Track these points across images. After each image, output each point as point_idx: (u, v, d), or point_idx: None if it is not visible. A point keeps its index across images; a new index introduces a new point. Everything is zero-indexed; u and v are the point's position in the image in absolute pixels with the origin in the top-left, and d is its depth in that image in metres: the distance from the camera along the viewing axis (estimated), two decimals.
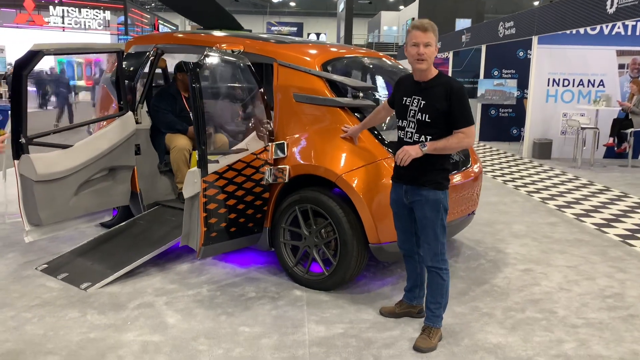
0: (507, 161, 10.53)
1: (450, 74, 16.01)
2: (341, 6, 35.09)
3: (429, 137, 3.07)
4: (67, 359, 2.97)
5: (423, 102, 3.07)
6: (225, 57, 4.15)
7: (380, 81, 5.16)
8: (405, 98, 3.16)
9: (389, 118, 3.85)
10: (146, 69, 5.04)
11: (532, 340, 3.31)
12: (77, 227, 4.63)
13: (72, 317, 3.46)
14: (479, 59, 13.63)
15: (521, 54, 13.22)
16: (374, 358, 3.06)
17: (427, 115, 3.05)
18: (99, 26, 29.56)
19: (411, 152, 3.03)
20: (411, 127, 3.12)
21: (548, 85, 11.02)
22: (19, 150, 4.15)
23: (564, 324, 3.54)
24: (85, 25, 29.27)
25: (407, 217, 3.27)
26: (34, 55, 4.07)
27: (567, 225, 5.94)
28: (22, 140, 4.13)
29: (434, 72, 3.09)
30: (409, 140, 3.13)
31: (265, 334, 3.30)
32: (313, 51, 4.33)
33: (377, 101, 4.56)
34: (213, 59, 4.00)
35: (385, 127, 4.11)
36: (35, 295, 3.78)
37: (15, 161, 4.15)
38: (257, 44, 4.38)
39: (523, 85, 12.30)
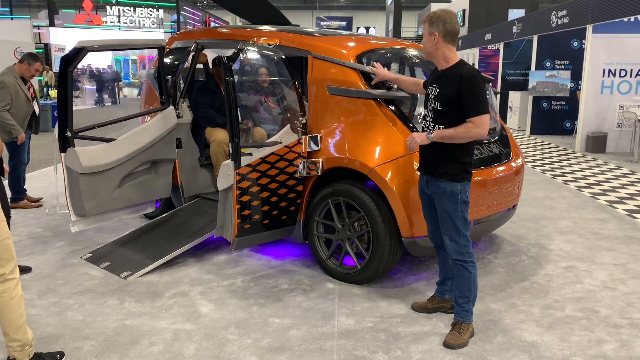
0: (558, 155, 10.16)
1: (500, 66, 15.59)
2: None
3: (441, 127, 3.05)
4: (103, 344, 3.08)
5: (438, 90, 3.07)
6: (259, 50, 4.17)
7: (419, 73, 5.07)
8: (429, 87, 3.19)
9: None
10: (187, 64, 5.14)
11: (570, 340, 3.18)
12: (120, 218, 4.79)
13: (110, 305, 3.59)
14: (530, 50, 13.19)
15: (575, 44, 12.71)
16: (402, 352, 3.02)
17: (439, 104, 3.06)
18: (153, 24, 30.41)
19: (417, 139, 3.10)
20: (430, 116, 3.16)
21: (603, 76, 10.56)
22: (65, 144, 4.32)
23: (606, 324, 3.39)
24: (139, 23, 30.18)
25: (434, 208, 3.22)
26: (78, 52, 4.22)
27: (617, 222, 5.68)
28: (68, 134, 4.30)
29: (453, 60, 3.06)
30: (426, 129, 3.17)
31: (295, 325, 3.32)
32: (347, 43, 4.29)
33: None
34: (247, 52, 4.03)
35: (420, 120, 4.04)
36: (78, 283, 3.94)
37: (62, 154, 4.33)
38: (292, 37, 4.38)
39: (578, 76, 11.82)
